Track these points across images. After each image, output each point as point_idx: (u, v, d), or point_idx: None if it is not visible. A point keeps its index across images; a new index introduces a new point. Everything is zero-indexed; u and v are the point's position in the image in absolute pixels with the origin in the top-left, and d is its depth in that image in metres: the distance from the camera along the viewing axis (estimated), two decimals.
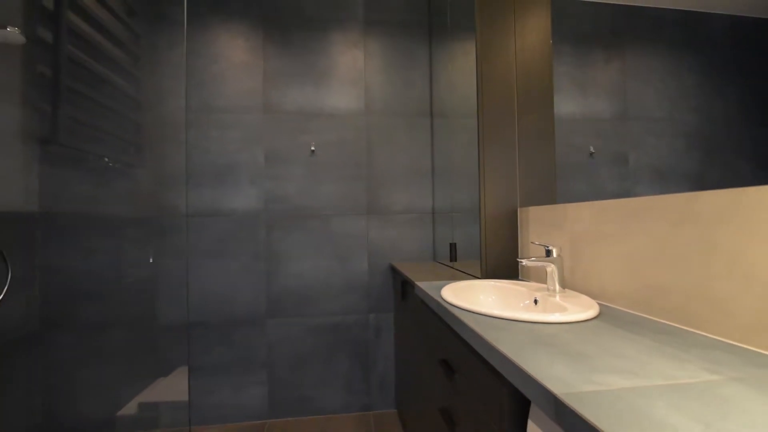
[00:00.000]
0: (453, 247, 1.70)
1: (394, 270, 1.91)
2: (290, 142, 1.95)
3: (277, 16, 1.95)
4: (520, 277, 1.34)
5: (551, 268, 1.03)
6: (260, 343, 1.90)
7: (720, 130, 2.51)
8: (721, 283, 0.67)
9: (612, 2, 2.40)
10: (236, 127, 1.92)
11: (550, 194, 1.41)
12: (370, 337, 1.98)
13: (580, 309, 0.84)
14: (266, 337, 1.91)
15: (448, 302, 0.98)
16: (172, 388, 1.70)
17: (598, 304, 0.94)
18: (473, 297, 1.14)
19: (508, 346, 0.66)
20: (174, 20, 1.86)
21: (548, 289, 1.03)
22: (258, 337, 1.90)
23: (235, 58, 1.93)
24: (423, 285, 1.24)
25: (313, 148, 1.96)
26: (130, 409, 1.57)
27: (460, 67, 1.62)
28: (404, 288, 1.67)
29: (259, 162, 1.93)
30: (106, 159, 1.58)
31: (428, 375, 1.25)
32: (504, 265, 1.35)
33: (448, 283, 1.20)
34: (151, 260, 1.80)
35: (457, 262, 1.67)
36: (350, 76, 2.01)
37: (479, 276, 1.37)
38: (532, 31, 1.44)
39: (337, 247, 1.98)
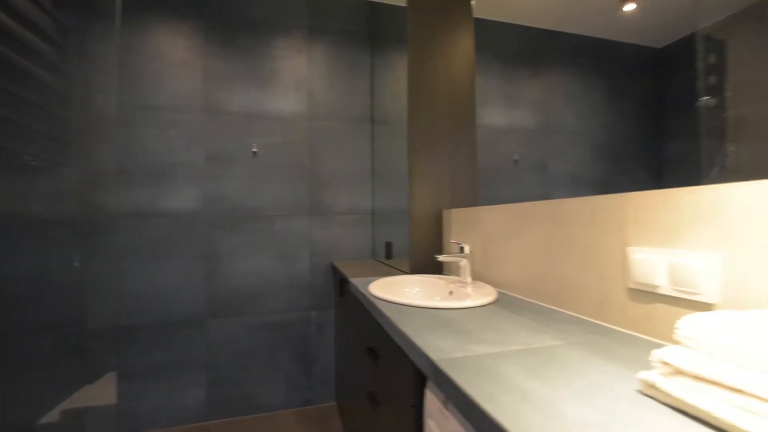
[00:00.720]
0: (389, 245, 1.82)
1: (334, 268, 1.99)
2: (232, 143, 1.97)
3: (219, 17, 1.96)
4: (444, 272, 1.48)
5: (464, 263, 1.17)
6: (200, 344, 1.89)
7: (622, 142, 2.88)
8: (579, 271, 0.83)
9: (536, 26, 2.68)
10: (176, 126, 1.90)
11: (472, 197, 1.57)
12: (312, 334, 2.04)
13: (480, 296, 0.98)
14: (207, 338, 1.90)
15: (373, 295, 1.09)
16: (100, 394, 1.65)
17: (499, 292, 1.10)
18: (399, 290, 1.25)
19: (411, 328, 0.77)
20: (107, 14, 1.81)
21: (462, 282, 1.18)
22: (198, 338, 1.89)
23: (175, 56, 1.90)
24: (356, 281, 1.34)
25: (255, 150, 1.99)
26: (52, 417, 1.50)
27: (398, 76, 1.75)
28: (342, 285, 1.76)
29: (200, 162, 1.92)
30: (29, 157, 1.51)
31: (360, 363, 1.35)
32: (430, 261, 1.49)
33: (379, 279, 1.30)
34: (77, 263, 1.73)
35: (392, 260, 1.79)
36: (294, 80, 2.06)
37: (408, 271, 1.49)
38: (458, 49, 1.60)
39: (280, 246, 2.02)
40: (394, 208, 1.83)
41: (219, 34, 1.96)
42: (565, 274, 0.87)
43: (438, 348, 0.65)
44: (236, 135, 1.97)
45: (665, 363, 0.44)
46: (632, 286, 0.69)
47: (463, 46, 1.62)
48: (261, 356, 1.98)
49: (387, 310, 0.91)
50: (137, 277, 1.82)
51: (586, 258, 0.81)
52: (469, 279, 1.16)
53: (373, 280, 1.33)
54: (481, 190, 1.84)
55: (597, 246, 0.78)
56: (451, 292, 1.18)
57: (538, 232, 0.97)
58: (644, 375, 0.46)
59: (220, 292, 1.93)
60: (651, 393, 0.45)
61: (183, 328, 1.87)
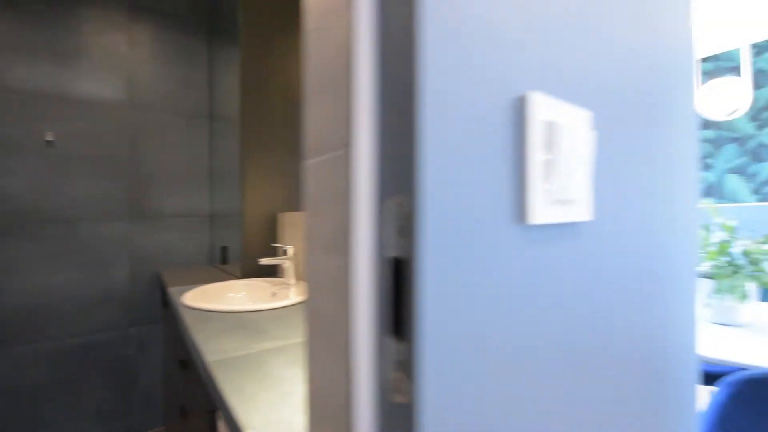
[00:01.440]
0: (224, 250, 1.73)
1: (160, 278, 1.79)
2: (15, 128, 1.57)
3: None
4: (278, 275, 1.50)
5: (287, 265, 1.21)
6: None
7: None
8: None
9: None
10: None
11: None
12: (132, 353, 1.79)
13: (294, 296, 1.03)
14: None
15: (184, 304, 1.03)
16: None
17: None
18: (222, 296, 1.22)
19: (205, 333, 0.76)
20: None
21: (286, 283, 1.21)
22: None
23: None
24: (174, 289, 1.24)
25: (51, 138, 1.63)
26: None
27: (238, 73, 1.68)
28: (165, 296, 1.60)
29: None
30: None
31: (175, 378, 1.25)
32: (263, 264, 1.48)
33: (202, 286, 1.24)
34: None
35: (227, 265, 1.72)
36: (109, 61, 1.77)
37: (240, 276, 1.46)
38: (295, 56, 1.64)
39: (88, 255, 1.70)
40: (235, 211, 1.76)
41: None
42: None
43: (220, 350, 0.66)
44: (21, 118, 1.58)
45: None
46: None
47: (296, 51, 1.66)
48: (61, 388, 1.63)
49: (190, 318, 0.88)
50: None
51: None
52: (293, 280, 1.21)
53: (195, 288, 1.25)
54: None
55: None
56: (274, 294, 1.21)
57: None
58: None
59: None
60: None
61: None
